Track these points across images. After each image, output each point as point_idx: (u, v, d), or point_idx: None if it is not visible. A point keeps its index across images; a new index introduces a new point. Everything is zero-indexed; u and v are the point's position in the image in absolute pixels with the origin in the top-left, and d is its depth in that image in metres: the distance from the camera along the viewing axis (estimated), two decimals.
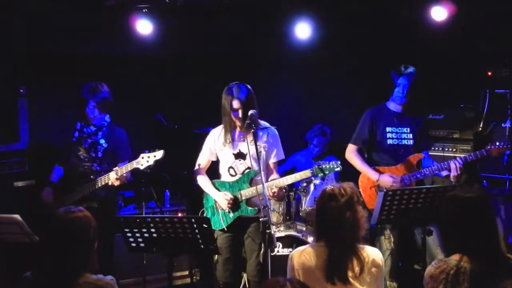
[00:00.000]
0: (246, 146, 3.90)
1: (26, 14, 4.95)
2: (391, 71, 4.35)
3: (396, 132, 4.39)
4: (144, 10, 5.07)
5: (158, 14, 5.15)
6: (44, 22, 5.07)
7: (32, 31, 5.12)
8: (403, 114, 4.41)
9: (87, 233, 2.51)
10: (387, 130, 4.39)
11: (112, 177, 4.18)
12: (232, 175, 4.09)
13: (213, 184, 4.14)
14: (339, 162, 3.84)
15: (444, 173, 4.30)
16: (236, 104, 3.92)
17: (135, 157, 4.18)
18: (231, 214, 4.02)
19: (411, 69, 4.29)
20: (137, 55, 5.63)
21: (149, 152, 4.08)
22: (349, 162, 4.50)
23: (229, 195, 3.99)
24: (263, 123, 4.05)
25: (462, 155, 4.28)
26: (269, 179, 4.03)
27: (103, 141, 4.41)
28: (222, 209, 4.04)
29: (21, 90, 5.17)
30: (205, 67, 5.99)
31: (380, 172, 4.32)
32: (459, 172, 4.15)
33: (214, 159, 4.21)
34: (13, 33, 5.07)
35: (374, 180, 4.31)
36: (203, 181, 4.17)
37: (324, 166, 3.84)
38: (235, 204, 3.99)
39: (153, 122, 5.77)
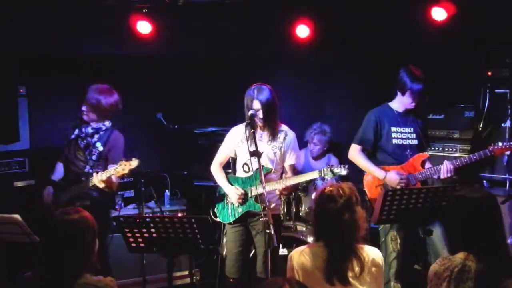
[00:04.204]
0: (263, 145, 4.05)
1: (26, 14, 4.95)
2: (402, 74, 4.27)
3: (401, 132, 4.36)
4: (144, 10, 5.08)
5: (158, 14, 5.15)
6: (44, 22, 5.08)
7: (32, 31, 5.13)
8: (405, 114, 4.41)
9: (84, 235, 2.49)
10: (393, 130, 4.36)
11: (95, 181, 4.17)
12: (246, 172, 4.18)
13: (227, 178, 4.25)
14: (346, 166, 3.91)
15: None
16: (255, 104, 4.00)
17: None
18: (240, 209, 4.14)
19: (423, 76, 4.26)
20: (137, 55, 5.63)
21: (126, 160, 4.08)
22: (351, 162, 4.49)
23: (240, 190, 4.11)
24: (283, 126, 4.19)
25: (465, 156, 4.26)
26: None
27: (99, 144, 4.36)
28: (232, 203, 4.16)
29: (21, 90, 5.17)
30: (205, 67, 5.99)
31: (386, 171, 4.31)
32: (449, 174, 4.14)
33: (233, 155, 4.32)
34: (13, 33, 5.07)
35: (380, 178, 4.28)
36: (218, 175, 4.30)
37: (334, 170, 3.89)
38: (245, 199, 4.11)
39: (153, 122, 5.77)
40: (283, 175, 4.22)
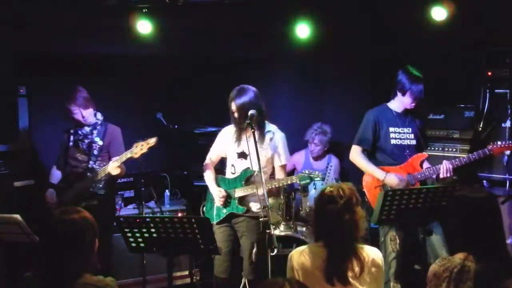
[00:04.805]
0: (250, 146, 3.98)
1: (26, 14, 4.95)
2: (401, 75, 4.29)
3: (399, 133, 4.38)
4: (144, 10, 5.08)
5: (158, 14, 5.15)
6: (44, 22, 5.08)
7: (32, 31, 5.13)
8: (404, 114, 4.42)
9: (84, 235, 2.47)
10: (391, 131, 4.37)
11: (109, 169, 4.23)
12: (232, 173, 4.18)
13: (216, 179, 4.25)
14: (321, 174, 3.98)
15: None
16: (232, 106, 4.01)
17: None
18: (224, 210, 4.15)
19: (422, 77, 4.26)
20: (137, 55, 5.63)
21: (143, 140, 4.11)
22: (351, 162, 4.50)
23: (223, 192, 4.11)
24: (272, 126, 4.15)
25: (465, 155, 4.27)
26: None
27: (98, 139, 4.48)
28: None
29: (21, 90, 5.18)
30: (205, 67, 5.99)
31: (386, 172, 4.31)
32: (448, 174, 4.15)
33: (224, 155, 4.31)
34: (13, 33, 5.07)
35: (380, 179, 4.29)
36: (207, 174, 4.29)
37: (311, 175, 3.94)
38: (227, 201, 4.11)
39: (153, 122, 5.77)
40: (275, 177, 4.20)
